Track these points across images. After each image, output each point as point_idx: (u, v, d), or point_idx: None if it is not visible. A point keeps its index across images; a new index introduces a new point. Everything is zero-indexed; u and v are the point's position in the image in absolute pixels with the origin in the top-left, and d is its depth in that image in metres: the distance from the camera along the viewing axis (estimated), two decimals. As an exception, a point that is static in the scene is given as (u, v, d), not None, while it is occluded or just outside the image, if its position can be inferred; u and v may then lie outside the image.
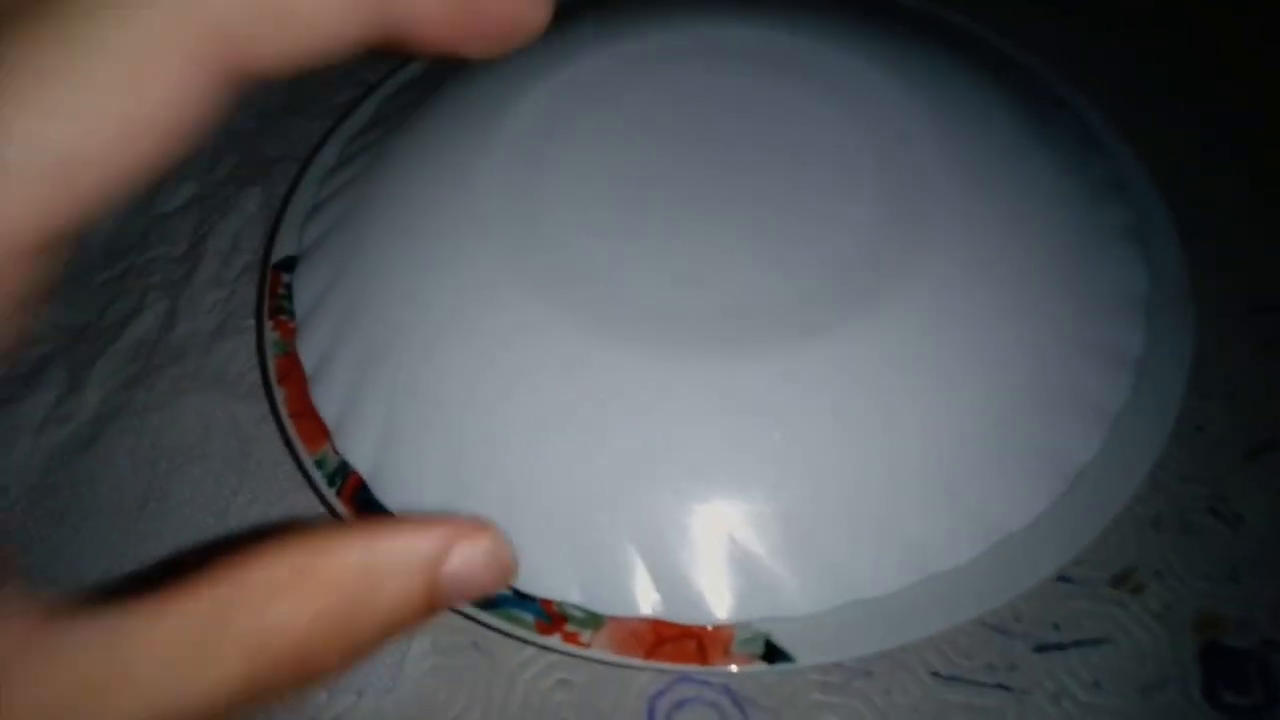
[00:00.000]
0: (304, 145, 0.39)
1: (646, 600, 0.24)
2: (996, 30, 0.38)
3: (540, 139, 0.30)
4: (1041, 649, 0.28)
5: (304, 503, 0.30)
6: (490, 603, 0.25)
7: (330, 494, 0.27)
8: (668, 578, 0.24)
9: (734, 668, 0.24)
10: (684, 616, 0.24)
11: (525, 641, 0.26)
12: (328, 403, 0.28)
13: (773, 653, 0.24)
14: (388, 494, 0.26)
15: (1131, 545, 0.30)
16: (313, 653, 0.16)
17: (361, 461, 0.27)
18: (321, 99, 0.41)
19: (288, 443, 0.28)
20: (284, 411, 0.28)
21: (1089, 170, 0.33)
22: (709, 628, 0.25)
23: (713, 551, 0.25)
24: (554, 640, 0.24)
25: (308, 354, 0.29)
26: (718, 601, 0.25)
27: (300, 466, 0.28)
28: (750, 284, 0.27)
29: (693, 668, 0.24)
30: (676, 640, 0.25)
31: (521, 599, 0.25)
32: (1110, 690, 0.27)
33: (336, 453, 0.27)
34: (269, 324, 0.30)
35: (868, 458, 0.25)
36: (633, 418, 0.25)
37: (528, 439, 0.25)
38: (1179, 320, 0.31)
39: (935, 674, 0.28)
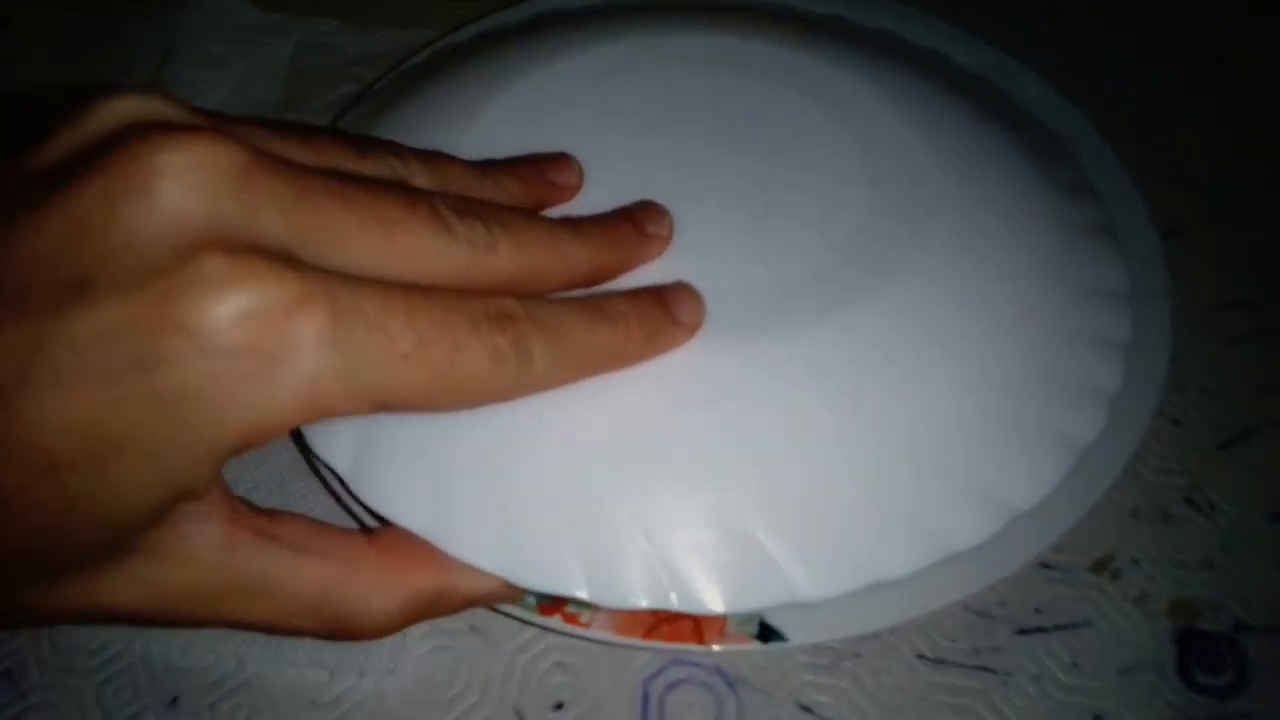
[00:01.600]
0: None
1: (652, 593, 0.24)
2: (976, 32, 0.39)
3: (519, 140, 0.30)
4: (1023, 632, 0.29)
5: (301, 490, 0.31)
6: None
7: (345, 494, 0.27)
8: (673, 569, 0.24)
9: (726, 647, 0.25)
10: (691, 607, 0.24)
11: (526, 623, 0.27)
12: None
13: (767, 632, 0.25)
14: (371, 492, 0.25)
15: (1110, 533, 0.31)
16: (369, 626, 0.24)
17: (340, 460, 0.26)
18: (317, 96, 0.42)
19: (299, 441, 0.28)
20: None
21: (1063, 174, 0.34)
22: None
23: (719, 540, 0.24)
24: (555, 621, 0.25)
25: None
26: (725, 591, 0.24)
27: (313, 467, 0.28)
28: (746, 272, 0.27)
29: (690, 647, 0.25)
30: (674, 620, 0.25)
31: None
32: (1089, 671, 0.28)
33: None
34: None
35: (873, 441, 0.26)
36: (632, 405, 0.25)
37: (522, 427, 0.25)
38: (1158, 313, 0.32)
39: (921, 656, 0.29)
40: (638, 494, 0.25)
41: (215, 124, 0.20)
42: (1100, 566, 0.30)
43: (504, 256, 0.23)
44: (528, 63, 0.33)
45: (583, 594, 0.24)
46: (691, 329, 0.26)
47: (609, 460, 0.25)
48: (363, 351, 0.20)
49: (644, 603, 0.24)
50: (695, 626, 0.25)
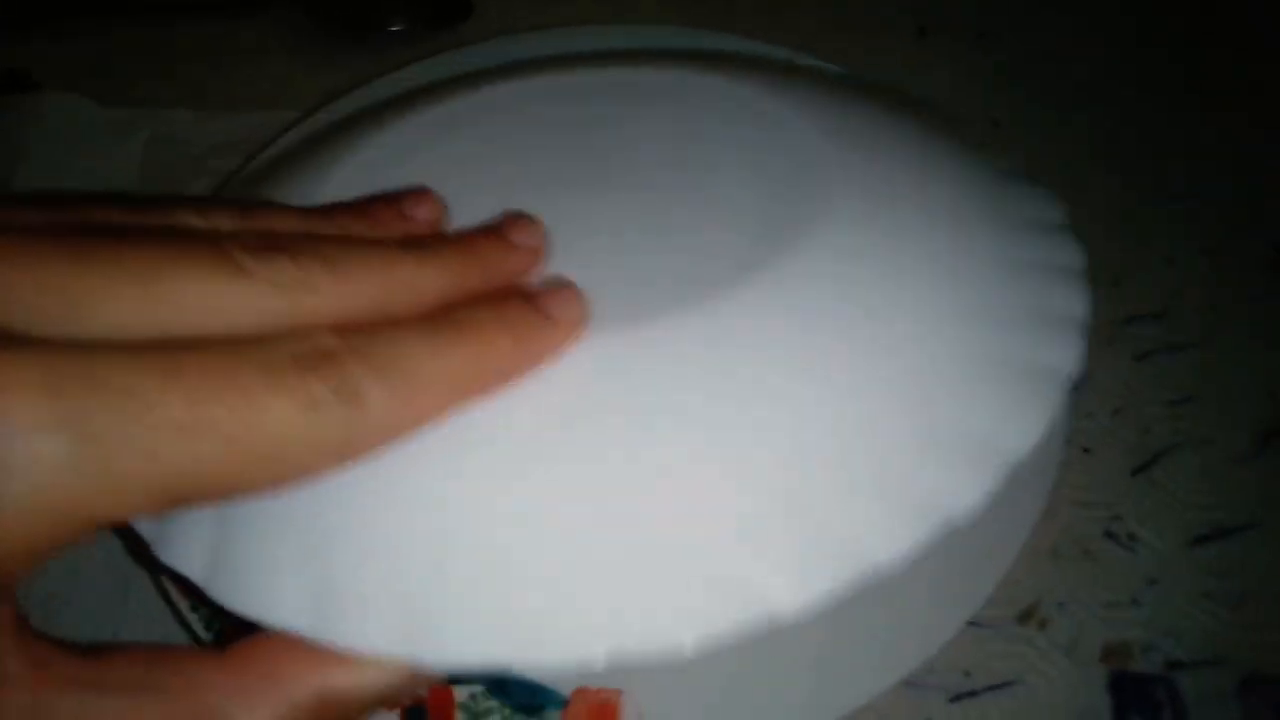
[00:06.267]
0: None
1: (601, 641, 0.20)
2: (850, 55, 0.38)
3: (400, 168, 0.28)
4: (956, 699, 0.28)
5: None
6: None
7: (208, 639, 0.25)
8: (618, 606, 0.20)
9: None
10: (649, 645, 0.20)
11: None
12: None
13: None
14: (234, 594, 0.21)
15: (1033, 578, 0.30)
16: None
17: (193, 563, 0.22)
18: (173, 193, 0.40)
19: (161, 589, 0.27)
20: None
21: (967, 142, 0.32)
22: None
23: (665, 564, 0.20)
24: None
25: None
26: (685, 621, 0.20)
27: (176, 614, 0.26)
28: (637, 265, 0.24)
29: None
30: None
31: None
32: (1026, 733, 0.28)
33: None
34: None
35: (830, 411, 0.22)
36: (534, 425, 0.22)
37: (406, 475, 0.21)
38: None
39: (854, 740, 0.28)
40: (556, 527, 0.21)
41: None
42: (1027, 616, 0.29)
43: (326, 293, 0.20)
44: (384, 120, 0.31)
45: (512, 659, 0.20)
46: (572, 325, 0.22)
47: (511, 494, 0.21)
48: (115, 430, 0.16)
49: (595, 653, 0.20)
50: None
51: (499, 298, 0.22)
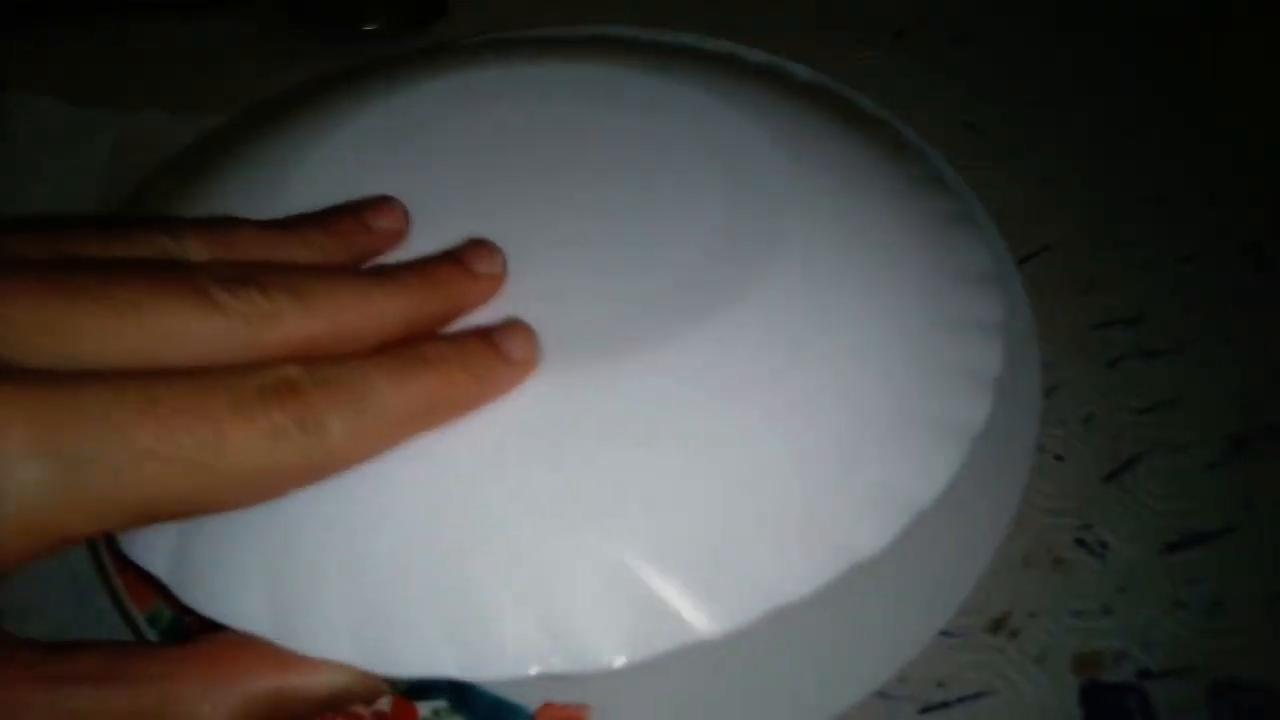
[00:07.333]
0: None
1: (534, 657, 0.21)
2: (827, 55, 0.38)
3: (343, 192, 0.28)
4: (927, 710, 0.28)
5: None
6: None
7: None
8: (555, 627, 0.22)
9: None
10: (580, 664, 0.21)
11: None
12: None
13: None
14: (197, 594, 0.22)
15: (1005, 587, 0.30)
16: None
17: (158, 560, 0.23)
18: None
19: (115, 597, 0.26)
20: (110, 565, 0.26)
21: (916, 169, 0.32)
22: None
23: (600, 588, 0.22)
24: None
25: None
26: (615, 641, 0.22)
27: (131, 624, 0.26)
28: (594, 300, 0.25)
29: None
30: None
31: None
32: (996, 745, 0.27)
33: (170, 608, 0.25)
34: None
35: (749, 456, 0.24)
36: (482, 454, 0.23)
37: (360, 494, 0.22)
38: (1027, 351, 0.31)
39: (824, 751, 0.27)
40: (501, 550, 0.22)
41: None
42: (998, 626, 0.29)
43: (291, 324, 0.21)
44: (350, 106, 0.31)
45: (453, 671, 0.21)
46: (525, 365, 0.23)
47: (462, 518, 0.22)
48: (92, 456, 0.18)
49: (530, 669, 0.21)
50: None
51: (458, 336, 0.23)
